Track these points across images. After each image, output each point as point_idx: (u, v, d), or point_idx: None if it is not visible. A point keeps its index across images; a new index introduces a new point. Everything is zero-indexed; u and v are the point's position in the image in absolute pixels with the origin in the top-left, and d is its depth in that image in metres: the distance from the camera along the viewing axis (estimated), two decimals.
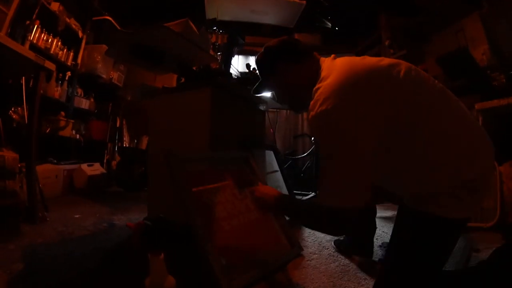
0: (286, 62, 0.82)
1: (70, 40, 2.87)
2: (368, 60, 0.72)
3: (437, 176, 0.66)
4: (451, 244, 0.73)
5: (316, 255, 1.25)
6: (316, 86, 0.70)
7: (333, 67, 0.73)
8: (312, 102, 0.67)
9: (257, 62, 0.92)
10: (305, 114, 3.41)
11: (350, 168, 0.62)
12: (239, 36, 1.91)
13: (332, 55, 0.81)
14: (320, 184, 0.66)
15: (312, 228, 0.83)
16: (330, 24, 3.72)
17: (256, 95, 1.31)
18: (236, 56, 3.65)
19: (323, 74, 0.73)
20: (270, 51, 0.86)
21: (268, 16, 1.89)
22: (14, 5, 2.09)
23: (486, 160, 0.68)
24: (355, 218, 0.65)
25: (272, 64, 0.84)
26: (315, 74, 0.77)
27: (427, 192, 0.67)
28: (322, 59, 0.82)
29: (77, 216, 1.78)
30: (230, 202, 1.09)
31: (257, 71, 0.95)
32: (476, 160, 0.65)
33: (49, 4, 2.50)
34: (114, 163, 3.41)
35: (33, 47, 2.29)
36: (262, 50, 0.90)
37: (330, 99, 0.63)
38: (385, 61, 0.71)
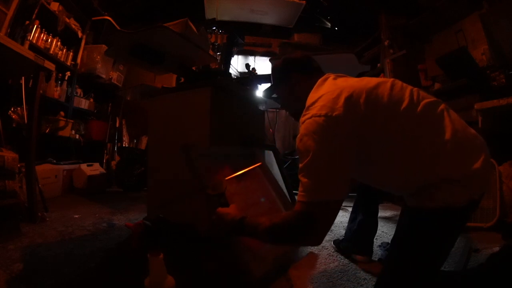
0: (300, 73, 0.92)
1: (69, 40, 2.87)
2: (360, 80, 0.81)
3: (421, 176, 0.70)
4: (450, 237, 0.74)
5: None
6: (310, 96, 0.81)
7: (329, 84, 0.82)
8: (306, 107, 0.77)
9: (273, 68, 1.02)
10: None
11: (333, 167, 0.69)
12: (239, 36, 1.91)
13: (333, 75, 0.88)
14: (305, 182, 0.70)
15: (277, 241, 0.84)
16: (329, 24, 3.72)
17: (265, 97, 1.45)
18: (235, 56, 3.64)
19: (318, 89, 0.83)
20: (289, 61, 0.97)
21: (268, 16, 1.89)
22: (13, 5, 2.09)
23: (474, 160, 0.68)
24: (329, 219, 0.70)
25: (288, 73, 0.93)
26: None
27: (418, 189, 0.72)
28: (326, 77, 0.88)
29: (76, 216, 1.78)
30: (244, 194, 1.11)
31: (272, 77, 1.04)
32: (461, 159, 0.68)
33: (49, 4, 2.50)
34: (113, 163, 3.41)
35: (33, 47, 2.29)
36: (281, 59, 0.99)
37: (323, 108, 0.72)
38: (374, 81, 0.79)
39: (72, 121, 2.83)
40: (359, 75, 2.43)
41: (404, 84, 0.80)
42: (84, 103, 3.17)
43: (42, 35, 2.47)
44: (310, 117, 0.72)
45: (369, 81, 0.78)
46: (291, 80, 0.93)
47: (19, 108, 2.12)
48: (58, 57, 2.70)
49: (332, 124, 0.69)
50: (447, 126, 0.71)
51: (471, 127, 0.75)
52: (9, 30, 2.08)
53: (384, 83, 0.77)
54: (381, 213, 1.99)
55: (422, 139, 0.70)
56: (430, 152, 0.69)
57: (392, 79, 0.80)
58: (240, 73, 2.23)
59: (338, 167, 0.69)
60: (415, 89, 0.78)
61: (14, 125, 2.09)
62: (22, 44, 2.18)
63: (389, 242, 1.33)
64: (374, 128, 0.71)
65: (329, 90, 0.76)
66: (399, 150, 0.72)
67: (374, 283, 0.84)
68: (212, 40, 2.36)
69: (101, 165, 3.19)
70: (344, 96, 0.72)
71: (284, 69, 0.97)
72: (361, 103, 0.71)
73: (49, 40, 2.56)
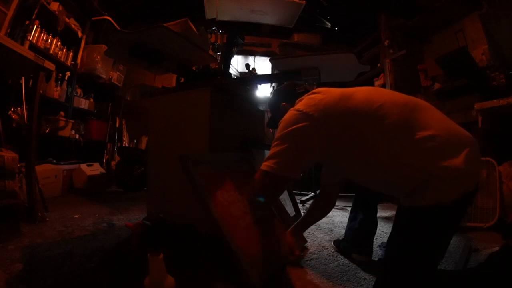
0: (287, 102, 1.05)
1: (69, 40, 2.87)
2: (340, 88, 0.90)
3: (409, 174, 0.72)
4: (445, 233, 0.74)
5: (316, 255, 1.25)
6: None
7: (310, 92, 0.93)
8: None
9: (269, 102, 1.22)
10: None
11: (297, 155, 0.84)
12: (239, 36, 1.91)
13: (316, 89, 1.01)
14: (274, 157, 0.85)
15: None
16: (329, 24, 3.72)
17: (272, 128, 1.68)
18: (235, 56, 3.65)
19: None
20: (278, 93, 1.16)
21: (268, 16, 1.89)
22: (13, 5, 2.09)
23: (456, 155, 0.69)
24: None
25: (279, 104, 1.10)
26: None
27: (409, 189, 0.74)
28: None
29: (76, 216, 1.78)
30: (242, 201, 1.13)
31: (269, 109, 1.23)
32: (443, 156, 0.69)
33: (49, 4, 2.50)
34: (113, 163, 3.41)
35: (33, 47, 2.29)
36: (272, 92, 1.19)
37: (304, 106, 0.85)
38: (352, 88, 0.87)
39: (72, 121, 2.83)
40: (359, 75, 2.44)
41: (384, 89, 0.89)
42: (84, 103, 3.17)
43: (42, 35, 2.47)
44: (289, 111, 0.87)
45: (348, 89, 0.86)
46: (282, 109, 1.06)
47: (19, 108, 2.12)
48: (58, 57, 2.70)
49: (301, 117, 0.82)
50: (427, 125, 0.73)
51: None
52: (9, 30, 2.08)
53: (361, 88, 0.85)
54: (381, 213, 1.99)
55: (401, 139, 0.73)
56: (411, 152, 0.71)
57: (371, 87, 0.88)
58: (240, 73, 2.23)
59: (292, 151, 0.83)
60: (394, 92, 0.83)
61: (14, 125, 2.09)
62: (22, 44, 2.18)
63: None
64: (350, 130, 0.78)
65: (309, 95, 0.89)
66: (381, 151, 0.74)
67: (374, 283, 0.84)
68: (212, 40, 2.36)
69: (101, 165, 3.19)
70: (319, 98, 0.83)
71: (275, 101, 1.15)
72: (334, 106, 0.80)
73: (49, 40, 2.56)
